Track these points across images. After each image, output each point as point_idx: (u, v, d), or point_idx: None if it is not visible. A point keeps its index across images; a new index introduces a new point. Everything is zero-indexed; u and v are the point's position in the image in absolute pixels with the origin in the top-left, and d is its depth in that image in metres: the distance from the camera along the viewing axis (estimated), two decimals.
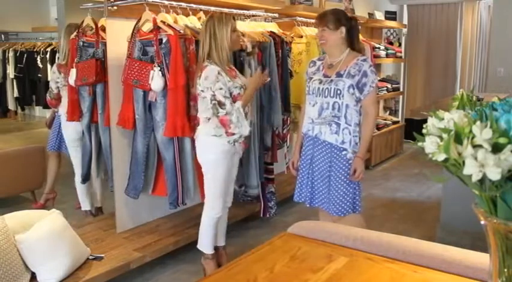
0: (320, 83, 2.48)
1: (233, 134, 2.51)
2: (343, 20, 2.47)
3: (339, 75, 2.44)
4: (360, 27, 5.15)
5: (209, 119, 2.52)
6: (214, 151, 2.55)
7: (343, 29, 2.45)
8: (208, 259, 2.76)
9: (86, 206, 3.48)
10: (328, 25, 2.45)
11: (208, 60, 2.50)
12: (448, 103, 0.79)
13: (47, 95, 3.45)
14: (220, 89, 2.44)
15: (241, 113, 2.49)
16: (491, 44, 6.27)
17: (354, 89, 2.40)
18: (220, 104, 2.45)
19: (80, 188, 3.43)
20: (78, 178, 3.40)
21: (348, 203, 2.46)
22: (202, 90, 2.48)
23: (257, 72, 2.74)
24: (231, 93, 2.49)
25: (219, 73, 2.45)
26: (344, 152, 2.43)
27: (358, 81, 2.41)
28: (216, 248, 2.80)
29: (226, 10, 3.33)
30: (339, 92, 2.41)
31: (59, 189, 3.83)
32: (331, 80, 2.45)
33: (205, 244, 2.73)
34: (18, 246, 2.24)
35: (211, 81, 2.44)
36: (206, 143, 2.57)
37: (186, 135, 2.85)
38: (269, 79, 2.85)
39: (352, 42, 2.52)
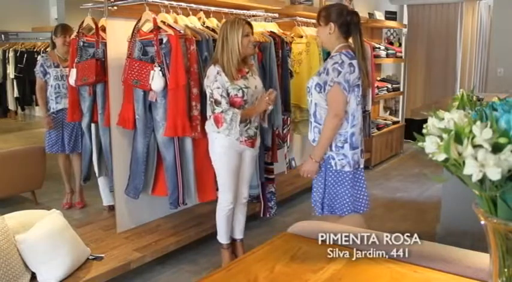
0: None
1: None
2: (333, 15, 2.37)
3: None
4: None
5: (210, 116, 2.65)
6: (217, 146, 2.66)
7: (332, 25, 2.37)
8: (223, 249, 2.87)
9: (106, 201, 3.47)
10: (319, 21, 2.43)
11: (217, 61, 2.59)
12: (448, 103, 0.79)
13: None
14: (218, 88, 2.54)
15: (237, 119, 2.53)
16: (491, 44, 6.27)
17: (320, 87, 2.34)
18: (217, 103, 2.54)
19: (100, 183, 3.44)
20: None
21: (317, 203, 2.46)
22: (206, 88, 2.62)
23: (263, 95, 2.66)
24: (229, 94, 2.56)
25: (218, 73, 2.55)
26: None
27: (324, 79, 2.33)
28: (233, 240, 2.92)
29: (225, 10, 3.34)
30: (308, 89, 2.41)
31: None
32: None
33: (219, 234, 2.85)
34: (18, 246, 2.24)
35: (211, 80, 2.56)
36: (211, 138, 2.69)
37: (186, 135, 2.85)
38: (271, 108, 2.74)
39: (350, 39, 2.43)
